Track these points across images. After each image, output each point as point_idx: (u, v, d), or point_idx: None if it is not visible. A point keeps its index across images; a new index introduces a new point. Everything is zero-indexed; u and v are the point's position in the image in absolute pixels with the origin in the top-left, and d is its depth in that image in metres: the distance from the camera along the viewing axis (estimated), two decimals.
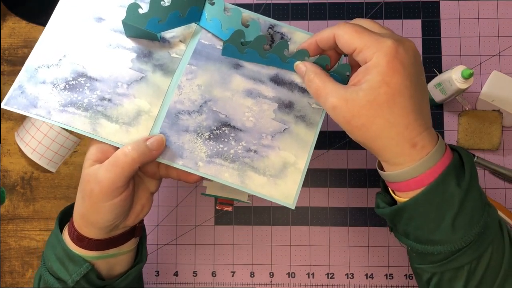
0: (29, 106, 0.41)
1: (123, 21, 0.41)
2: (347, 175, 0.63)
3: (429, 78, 0.62)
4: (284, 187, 0.41)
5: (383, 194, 0.43)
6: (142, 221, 0.47)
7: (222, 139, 0.41)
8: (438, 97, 0.60)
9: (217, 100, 0.42)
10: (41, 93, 0.41)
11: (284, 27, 0.44)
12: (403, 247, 0.54)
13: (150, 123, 0.41)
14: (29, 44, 0.67)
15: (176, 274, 0.63)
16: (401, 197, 0.40)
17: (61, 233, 0.44)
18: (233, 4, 0.48)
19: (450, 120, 0.63)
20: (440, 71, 0.63)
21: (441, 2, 0.65)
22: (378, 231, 0.62)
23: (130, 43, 0.43)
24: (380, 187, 0.46)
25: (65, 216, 0.46)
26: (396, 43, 0.37)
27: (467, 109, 0.62)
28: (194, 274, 0.63)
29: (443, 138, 0.63)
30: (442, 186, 0.37)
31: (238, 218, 0.63)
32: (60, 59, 0.42)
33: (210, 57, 0.43)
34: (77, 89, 0.41)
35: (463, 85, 0.54)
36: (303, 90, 0.43)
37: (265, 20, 0.45)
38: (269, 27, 0.44)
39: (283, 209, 0.63)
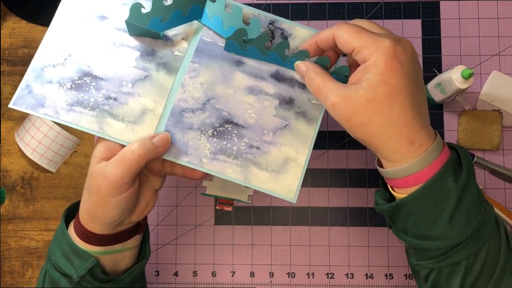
0: (37, 106, 0.42)
1: (126, 21, 0.41)
2: (347, 175, 0.63)
3: (429, 78, 0.62)
4: (285, 182, 0.42)
5: (381, 191, 0.44)
6: (146, 218, 0.48)
7: (225, 136, 0.42)
8: (438, 97, 0.60)
9: (219, 98, 0.43)
10: (48, 93, 0.42)
11: (284, 22, 0.45)
12: (402, 244, 0.54)
13: (155, 121, 0.42)
14: (29, 44, 0.67)
15: (176, 274, 0.63)
16: (400, 194, 0.40)
17: (67, 229, 0.45)
18: None
19: (450, 120, 0.63)
20: (440, 71, 0.63)
21: (441, 2, 0.65)
22: (378, 231, 0.62)
23: (133, 41, 0.43)
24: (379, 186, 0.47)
25: (71, 213, 0.47)
26: (394, 42, 0.37)
27: (467, 109, 0.62)
28: (194, 274, 0.63)
29: (443, 138, 0.63)
30: (440, 183, 0.38)
31: (238, 218, 0.64)
32: (65, 58, 0.43)
33: (212, 55, 0.43)
34: (83, 89, 0.42)
35: (463, 85, 0.54)
36: (303, 86, 0.44)
37: (265, 16, 0.45)
38: (270, 23, 0.45)
39: (283, 209, 0.63)
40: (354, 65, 0.41)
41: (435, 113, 0.64)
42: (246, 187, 0.63)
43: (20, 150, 0.65)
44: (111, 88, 0.42)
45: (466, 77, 0.53)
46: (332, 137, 0.64)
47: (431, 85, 0.60)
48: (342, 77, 0.42)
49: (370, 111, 0.37)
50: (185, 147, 0.42)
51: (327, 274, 0.62)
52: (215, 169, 0.42)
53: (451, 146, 0.42)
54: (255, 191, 0.63)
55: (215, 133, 0.42)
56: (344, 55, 0.44)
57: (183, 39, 0.44)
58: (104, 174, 0.40)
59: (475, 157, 0.61)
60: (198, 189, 0.64)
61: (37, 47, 0.66)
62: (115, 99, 0.42)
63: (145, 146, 0.40)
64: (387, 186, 0.43)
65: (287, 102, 0.43)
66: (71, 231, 0.44)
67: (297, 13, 0.66)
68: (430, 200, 0.38)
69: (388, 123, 0.37)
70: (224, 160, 0.42)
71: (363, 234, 0.62)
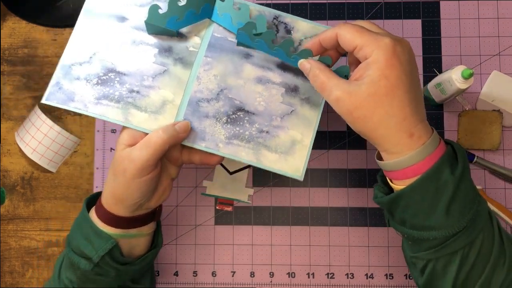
0: (67, 101, 0.46)
1: (145, 22, 0.45)
2: (347, 175, 0.63)
3: (429, 78, 0.62)
4: (293, 162, 0.46)
5: (380, 185, 0.47)
6: (161, 206, 0.51)
7: (238, 123, 0.46)
8: (438, 97, 0.60)
9: (231, 88, 0.47)
10: (77, 88, 0.46)
11: (287, 17, 0.49)
12: (399, 235, 0.54)
13: (174, 111, 0.46)
14: (29, 44, 0.67)
15: (176, 274, 0.63)
16: (398, 185, 0.42)
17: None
18: None
19: (450, 120, 0.63)
20: (440, 71, 0.63)
21: (441, 2, 0.65)
22: (378, 231, 0.62)
23: (152, 39, 0.47)
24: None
25: (90, 203, 0.50)
26: (393, 41, 0.40)
27: (467, 109, 0.62)
28: (194, 274, 0.63)
29: (443, 138, 0.63)
30: (437, 174, 0.40)
31: (238, 218, 0.64)
32: (90, 57, 0.47)
33: (223, 49, 0.47)
34: (108, 83, 0.46)
35: (463, 85, 0.54)
36: None
37: (269, 12, 0.49)
38: (274, 18, 0.49)
39: (283, 209, 0.63)
40: (353, 64, 0.44)
41: (435, 113, 0.64)
42: (246, 187, 0.63)
43: (20, 150, 0.65)
44: (133, 82, 0.46)
45: (466, 77, 0.53)
46: (332, 137, 0.64)
47: (431, 85, 0.60)
48: (342, 77, 0.43)
49: (371, 105, 0.39)
50: (202, 133, 0.46)
51: (327, 274, 0.62)
52: (230, 153, 0.45)
53: (446, 142, 0.44)
54: (255, 191, 0.63)
55: (228, 120, 0.46)
56: (345, 55, 0.46)
57: (196, 35, 0.48)
58: (131, 157, 0.43)
59: (475, 157, 0.61)
60: (198, 189, 0.64)
61: (37, 47, 0.67)
62: (137, 92, 0.46)
63: (168, 132, 0.43)
64: (386, 181, 0.45)
65: (293, 90, 0.47)
66: (92, 215, 0.47)
67: (297, 13, 0.66)
68: (428, 191, 0.40)
69: (389, 116, 0.39)
70: (238, 144, 0.46)
71: (363, 234, 0.62)
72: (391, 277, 0.62)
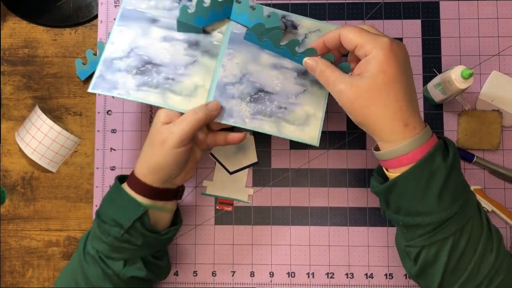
0: (111, 89, 0.52)
1: (178, 19, 0.54)
2: (347, 175, 0.63)
3: (429, 78, 0.62)
4: (309, 132, 0.53)
5: (377, 177, 0.50)
6: (183, 188, 0.57)
7: (260, 101, 0.54)
8: (437, 97, 0.60)
9: (252, 73, 0.54)
10: (119, 78, 0.53)
11: (293, 16, 0.58)
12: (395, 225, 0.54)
13: (205, 94, 0.53)
14: (29, 44, 0.68)
15: (176, 273, 0.63)
16: (394, 173, 0.46)
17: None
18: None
19: (449, 120, 0.63)
20: (440, 71, 0.63)
21: (441, 2, 0.65)
22: (378, 231, 0.62)
23: (181, 36, 0.55)
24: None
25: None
26: (391, 41, 0.45)
27: (466, 109, 0.62)
28: (194, 274, 0.63)
29: None
30: (430, 162, 0.43)
31: (238, 218, 0.64)
32: (128, 52, 0.54)
33: (242, 42, 0.55)
34: (147, 73, 0.53)
35: (462, 85, 0.54)
36: None
37: (278, 12, 0.58)
38: (282, 17, 0.58)
39: (283, 209, 0.63)
40: (354, 61, 0.49)
41: (435, 113, 0.64)
42: (246, 187, 0.63)
43: (20, 150, 0.65)
44: (168, 71, 0.54)
45: (466, 77, 0.53)
46: (332, 137, 0.64)
47: (431, 85, 0.60)
48: (344, 72, 0.48)
49: (370, 96, 0.44)
50: (230, 111, 0.53)
51: (327, 274, 0.62)
52: (255, 126, 0.53)
53: (438, 137, 0.47)
54: (255, 191, 0.63)
55: (251, 100, 0.54)
56: (345, 55, 0.52)
57: (218, 32, 0.56)
58: (171, 130, 0.49)
59: (475, 157, 0.61)
60: (198, 189, 0.64)
61: (37, 47, 0.67)
62: (172, 79, 0.53)
63: (203, 110, 0.50)
64: (382, 173, 0.49)
65: (303, 73, 0.55)
66: (125, 187, 0.52)
67: (297, 13, 0.66)
68: (421, 177, 0.43)
69: (386, 106, 0.44)
70: (261, 119, 0.53)
71: (363, 234, 0.63)
72: (390, 277, 0.62)
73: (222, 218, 0.64)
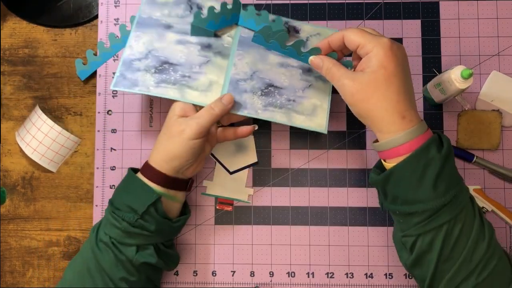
0: (132, 86, 0.56)
1: (192, 24, 0.59)
2: (347, 175, 0.63)
3: (429, 78, 0.62)
4: (316, 121, 0.58)
5: (375, 170, 0.53)
6: (193, 181, 0.60)
7: (270, 95, 0.58)
8: (437, 97, 0.60)
9: (261, 71, 0.59)
10: (139, 77, 0.57)
11: (295, 22, 0.62)
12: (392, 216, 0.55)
13: (219, 89, 0.58)
14: (29, 44, 0.68)
15: (176, 273, 0.63)
16: (391, 163, 0.49)
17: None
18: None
19: (449, 120, 0.63)
20: (440, 71, 0.64)
21: (440, 2, 0.65)
22: (378, 231, 0.63)
23: (194, 39, 0.60)
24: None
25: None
26: (390, 41, 0.49)
27: (466, 109, 0.62)
28: (195, 274, 0.63)
29: None
30: (425, 151, 0.46)
31: (238, 218, 0.64)
32: (146, 54, 0.58)
33: (250, 45, 0.60)
34: (164, 72, 0.58)
35: (462, 85, 0.54)
36: None
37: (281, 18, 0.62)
38: (284, 23, 0.62)
39: (283, 209, 0.63)
40: (356, 60, 0.53)
41: (434, 113, 0.64)
42: (246, 187, 0.63)
43: (20, 150, 0.66)
44: (184, 70, 0.58)
45: (465, 77, 0.53)
46: (332, 137, 0.64)
47: (430, 85, 0.60)
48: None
49: (371, 89, 0.47)
50: (244, 104, 0.57)
51: (327, 273, 0.62)
52: (268, 116, 0.57)
53: (433, 132, 0.50)
54: (255, 191, 0.64)
55: (262, 93, 0.58)
56: (348, 56, 0.56)
57: (228, 36, 0.61)
58: (188, 123, 0.52)
59: (475, 157, 0.61)
60: (198, 189, 0.64)
61: (37, 47, 0.67)
62: (189, 76, 0.58)
63: (219, 106, 0.54)
64: (380, 167, 0.52)
65: (308, 70, 0.60)
66: (139, 175, 0.55)
67: (297, 13, 0.66)
68: (417, 166, 0.46)
69: (385, 98, 0.47)
70: (273, 110, 0.58)
71: (362, 234, 0.63)
72: (390, 277, 0.62)
73: (222, 218, 0.64)
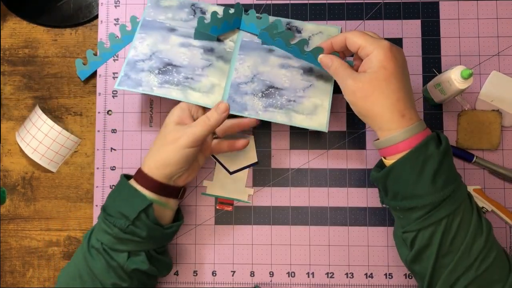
0: (136, 86, 0.58)
1: (196, 28, 0.61)
2: (347, 175, 0.63)
3: (428, 78, 0.62)
4: (317, 120, 0.59)
5: (376, 168, 0.54)
6: (185, 189, 0.59)
7: (271, 96, 0.60)
8: (437, 97, 0.60)
9: (262, 73, 0.61)
10: (143, 77, 0.59)
11: (296, 22, 0.64)
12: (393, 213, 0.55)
13: (221, 91, 0.60)
14: (29, 45, 0.68)
15: (176, 273, 0.63)
16: (391, 160, 0.50)
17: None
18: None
19: (449, 120, 0.63)
20: (440, 71, 0.64)
21: (440, 2, 0.65)
22: (377, 231, 0.63)
23: (197, 43, 0.62)
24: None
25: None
26: (390, 43, 0.51)
27: (466, 109, 0.62)
28: (195, 274, 0.63)
29: None
30: (424, 148, 0.48)
31: (238, 218, 0.64)
32: (150, 55, 0.60)
33: (251, 48, 0.62)
34: (168, 73, 0.59)
35: (462, 85, 0.54)
36: None
37: (283, 20, 0.64)
38: (287, 24, 0.64)
39: (283, 209, 0.63)
40: (358, 60, 0.55)
41: (434, 113, 0.64)
42: (246, 187, 0.64)
43: (21, 150, 0.66)
44: (187, 72, 0.60)
45: (465, 77, 0.53)
46: (332, 137, 0.64)
47: (430, 85, 0.60)
48: None
49: (371, 87, 0.49)
50: (244, 105, 0.59)
51: (327, 273, 0.62)
52: (268, 117, 0.59)
53: (431, 130, 0.52)
54: (255, 191, 0.64)
55: (263, 95, 0.60)
56: (350, 57, 0.58)
57: (230, 40, 0.63)
58: (184, 131, 0.53)
59: (475, 157, 0.62)
60: (198, 189, 0.64)
61: (37, 48, 0.67)
62: (192, 78, 0.59)
63: (214, 117, 0.54)
64: (381, 165, 0.54)
65: (309, 70, 0.61)
66: (131, 182, 0.55)
67: (297, 13, 0.66)
68: (417, 162, 0.48)
69: (385, 97, 0.49)
70: (273, 111, 0.59)
71: (362, 234, 0.63)
72: (390, 277, 0.62)
73: (222, 218, 0.64)
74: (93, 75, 0.66)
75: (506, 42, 0.64)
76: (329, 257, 0.63)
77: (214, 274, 0.63)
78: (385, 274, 0.62)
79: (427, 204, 0.48)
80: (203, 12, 0.64)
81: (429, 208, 0.48)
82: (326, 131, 0.59)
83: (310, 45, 0.62)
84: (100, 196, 0.64)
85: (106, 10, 0.67)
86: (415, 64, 0.64)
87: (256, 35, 0.62)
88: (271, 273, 0.63)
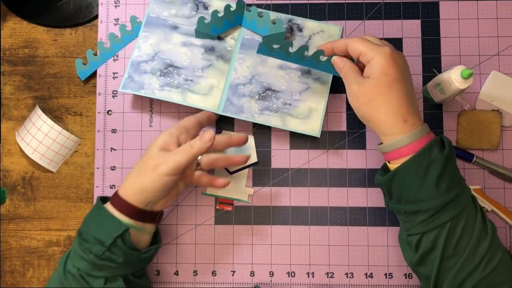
0: (138, 88, 0.61)
1: (196, 29, 0.61)
2: (347, 175, 0.64)
3: (428, 78, 0.62)
4: (310, 124, 0.60)
5: (380, 172, 0.54)
6: (162, 213, 0.58)
7: (267, 99, 0.61)
8: (437, 97, 0.60)
9: (260, 74, 0.62)
10: (145, 80, 0.61)
11: (298, 19, 0.64)
12: (398, 217, 0.55)
13: (219, 93, 0.61)
14: (29, 45, 0.68)
15: (176, 273, 0.63)
16: (395, 164, 0.50)
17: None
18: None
19: (449, 120, 0.63)
20: (440, 71, 0.64)
21: (440, 2, 0.65)
22: (378, 231, 0.63)
23: (198, 42, 0.63)
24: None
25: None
26: (391, 49, 0.51)
27: (466, 109, 0.62)
28: (195, 274, 0.63)
29: None
30: (428, 152, 0.48)
31: (238, 218, 0.64)
32: (153, 56, 0.62)
33: (252, 46, 0.63)
34: (169, 75, 0.61)
35: (462, 85, 0.54)
36: None
37: (285, 16, 0.64)
38: (288, 21, 0.64)
39: (283, 209, 0.63)
40: (358, 63, 0.55)
41: (434, 113, 0.64)
42: (246, 187, 0.64)
43: (21, 150, 0.66)
44: (187, 73, 0.61)
45: (465, 77, 0.53)
46: (332, 137, 0.64)
47: (430, 85, 0.60)
48: None
49: (374, 93, 0.50)
50: (241, 108, 0.60)
51: (327, 273, 0.62)
52: (263, 120, 0.60)
53: (435, 135, 0.52)
54: (255, 191, 0.64)
55: (260, 97, 0.61)
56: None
57: (231, 38, 0.63)
58: (165, 159, 0.52)
59: (475, 157, 0.62)
60: (198, 189, 0.64)
61: (37, 48, 0.67)
62: (191, 80, 0.61)
63: (197, 144, 0.53)
64: (385, 169, 0.54)
65: (306, 72, 0.62)
66: (107, 206, 0.54)
67: (296, 14, 0.66)
68: (420, 166, 0.48)
69: (387, 102, 0.49)
70: (269, 114, 0.60)
71: (362, 234, 0.63)
72: (390, 277, 0.62)
73: (222, 218, 0.64)
74: (93, 75, 0.66)
75: (506, 42, 0.64)
76: (329, 257, 0.63)
77: (214, 274, 0.63)
78: (385, 274, 0.62)
79: (431, 208, 0.48)
80: (206, 7, 0.64)
81: (433, 212, 0.48)
82: (319, 136, 0.60)
83: (310, 45, 0.62)
84: None
85: (106, 10, 0.67)
86: (415, 64, 0.64)
87: (256, 33, 0.63)
88: (271, 273, 0.63)
